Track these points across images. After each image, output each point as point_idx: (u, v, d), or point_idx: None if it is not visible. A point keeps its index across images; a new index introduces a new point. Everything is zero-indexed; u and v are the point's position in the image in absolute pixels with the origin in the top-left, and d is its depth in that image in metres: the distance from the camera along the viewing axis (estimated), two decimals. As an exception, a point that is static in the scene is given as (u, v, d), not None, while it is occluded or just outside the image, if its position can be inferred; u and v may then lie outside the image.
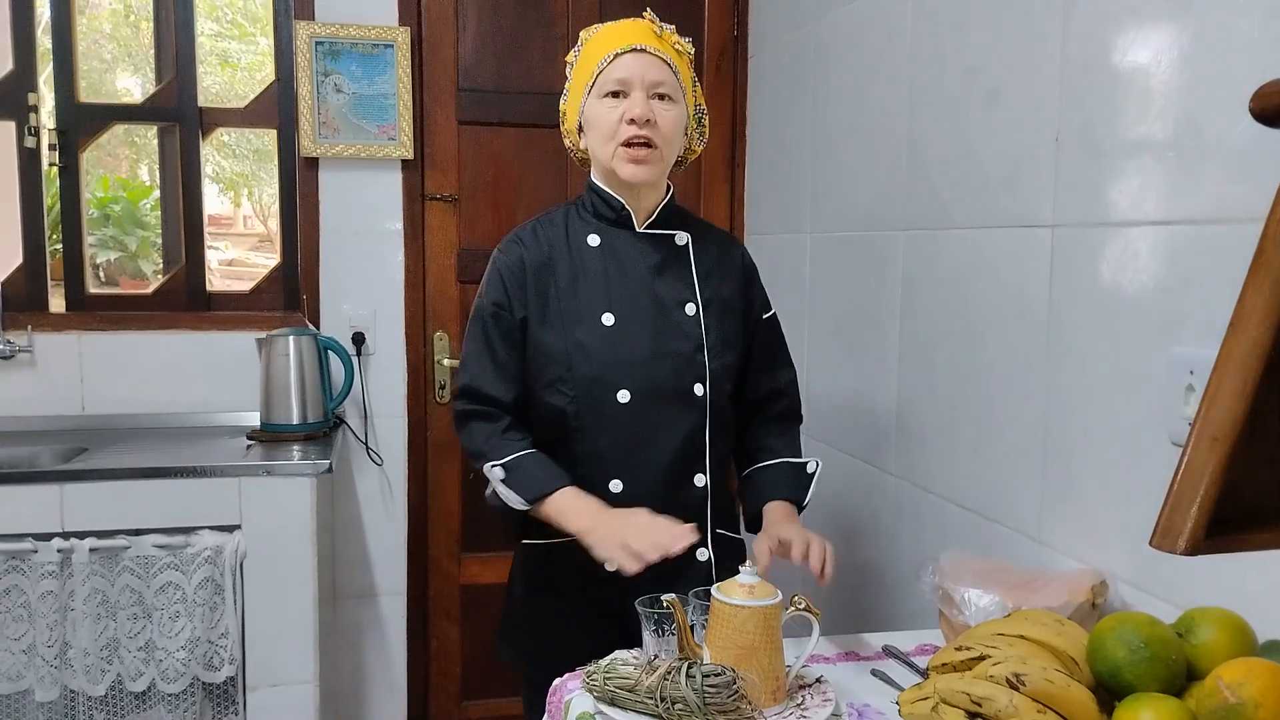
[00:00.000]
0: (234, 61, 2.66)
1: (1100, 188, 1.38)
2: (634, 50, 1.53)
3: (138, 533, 2.11)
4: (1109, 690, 1.00)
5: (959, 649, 1.08)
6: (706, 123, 1.68)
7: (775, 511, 1.64)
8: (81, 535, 2.08)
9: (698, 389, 1.59)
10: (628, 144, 1.53)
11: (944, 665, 1.08)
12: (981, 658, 1.05)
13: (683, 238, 1.65)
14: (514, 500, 1.53)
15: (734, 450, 1.74)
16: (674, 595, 1.33)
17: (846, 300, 2.18)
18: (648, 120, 1.52)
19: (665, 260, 1.62)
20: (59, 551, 2.06)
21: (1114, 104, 1.35)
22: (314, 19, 2.58)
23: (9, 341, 2.51)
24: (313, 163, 2.62)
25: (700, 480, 1.63)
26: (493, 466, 1.55)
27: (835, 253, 2.24)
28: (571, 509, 1.51)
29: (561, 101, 1.67)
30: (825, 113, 2.30)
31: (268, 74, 2.77)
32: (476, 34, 2.70)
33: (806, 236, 2.40)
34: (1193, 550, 0.78)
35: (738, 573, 1.63)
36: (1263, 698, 0.86)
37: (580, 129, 1.62)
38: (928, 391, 1.86)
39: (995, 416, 1.64)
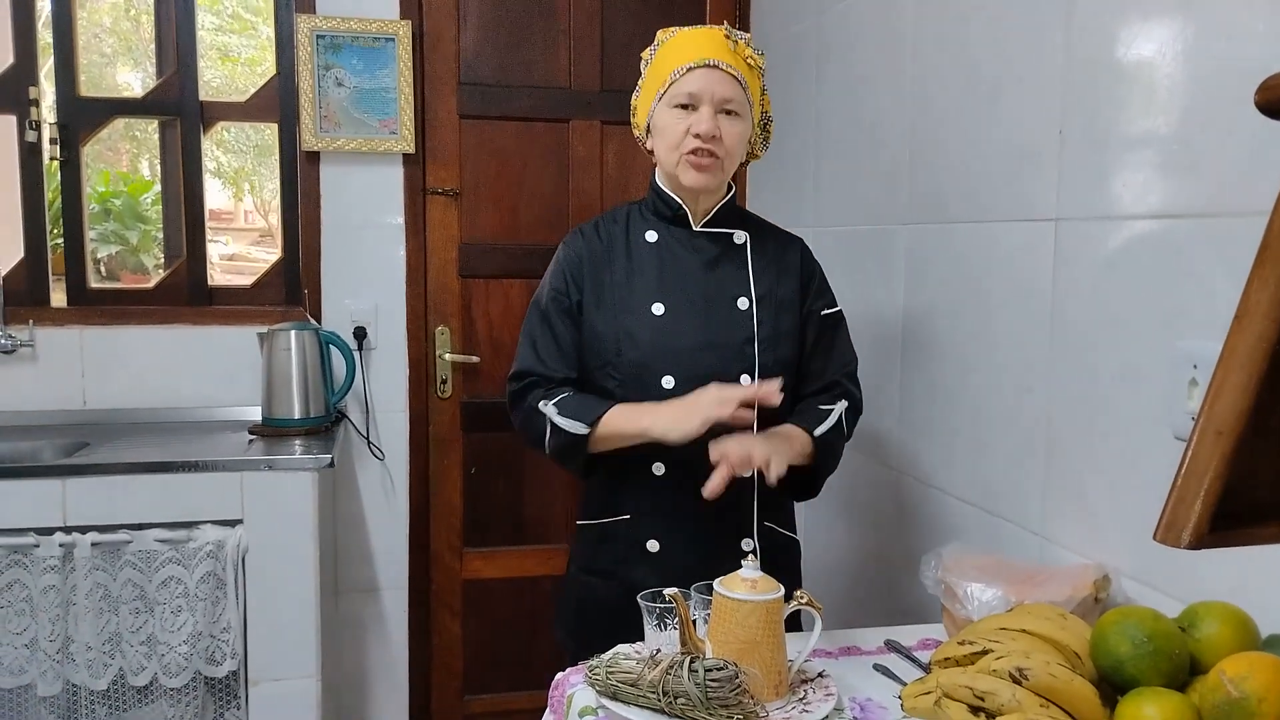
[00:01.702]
0: (235, 55, 2.65)
1: (1104, 181, 1.37)
2: (706, 65, 1.58)
3: (140, 527, 2.11)
4: (1112, 684, 1.00)
5: (962, 643, 1.07)
6: (771, 129, 1.73)
7: (781, 430, 1.65)
8: (83, 530, 2.08)
9: (745, 380, 1.62)
10: (692, 152, 1.59)
11: (947, 659, 1.08)
12: (984, 652, 1.05)
13: (740, 236, 1.69)
14: (574, 426, 1.57)
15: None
16: (676, 590, 1.33)
17: (849, 294, 2.18)
18: (713, 136, 1.58)
19: (720, 256, 1.67)
20: (61, 546, 2.06)
21: (1118, 97, 1.35)
22: (315, 12, 2.57)
23: (10, 336, 2.51)
24: (314, 157, 2.62)
25: (746, 471, 1.60)
26: (545, 405, 1.61)
27: (838, 247, 2.23)
28: (631, 414, 1.56)
29: (634, 98, 1.73)
30: (827, 106, 2.30)
31: (268, 68, 2.76)
32: (478, 27, 2.70)
33: (809, 230, 2.39)
34: (1196, 544, 0.77)
35: (786, 572, 1.65)
36: (1266, 692, 0.86)
37: (649, 130, 1.67)
38: (929, 385, 1.85)
39: (997, 410, 1.64)
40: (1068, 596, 1.24)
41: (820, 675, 1.29)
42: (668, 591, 1.35)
